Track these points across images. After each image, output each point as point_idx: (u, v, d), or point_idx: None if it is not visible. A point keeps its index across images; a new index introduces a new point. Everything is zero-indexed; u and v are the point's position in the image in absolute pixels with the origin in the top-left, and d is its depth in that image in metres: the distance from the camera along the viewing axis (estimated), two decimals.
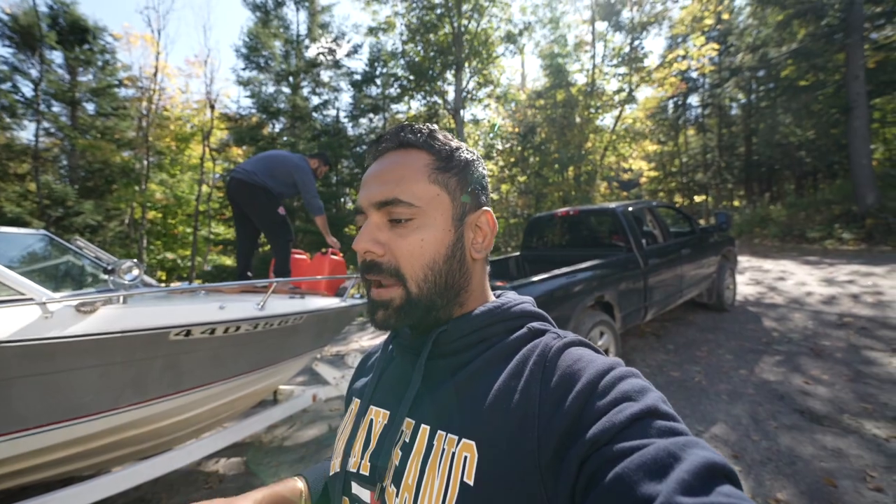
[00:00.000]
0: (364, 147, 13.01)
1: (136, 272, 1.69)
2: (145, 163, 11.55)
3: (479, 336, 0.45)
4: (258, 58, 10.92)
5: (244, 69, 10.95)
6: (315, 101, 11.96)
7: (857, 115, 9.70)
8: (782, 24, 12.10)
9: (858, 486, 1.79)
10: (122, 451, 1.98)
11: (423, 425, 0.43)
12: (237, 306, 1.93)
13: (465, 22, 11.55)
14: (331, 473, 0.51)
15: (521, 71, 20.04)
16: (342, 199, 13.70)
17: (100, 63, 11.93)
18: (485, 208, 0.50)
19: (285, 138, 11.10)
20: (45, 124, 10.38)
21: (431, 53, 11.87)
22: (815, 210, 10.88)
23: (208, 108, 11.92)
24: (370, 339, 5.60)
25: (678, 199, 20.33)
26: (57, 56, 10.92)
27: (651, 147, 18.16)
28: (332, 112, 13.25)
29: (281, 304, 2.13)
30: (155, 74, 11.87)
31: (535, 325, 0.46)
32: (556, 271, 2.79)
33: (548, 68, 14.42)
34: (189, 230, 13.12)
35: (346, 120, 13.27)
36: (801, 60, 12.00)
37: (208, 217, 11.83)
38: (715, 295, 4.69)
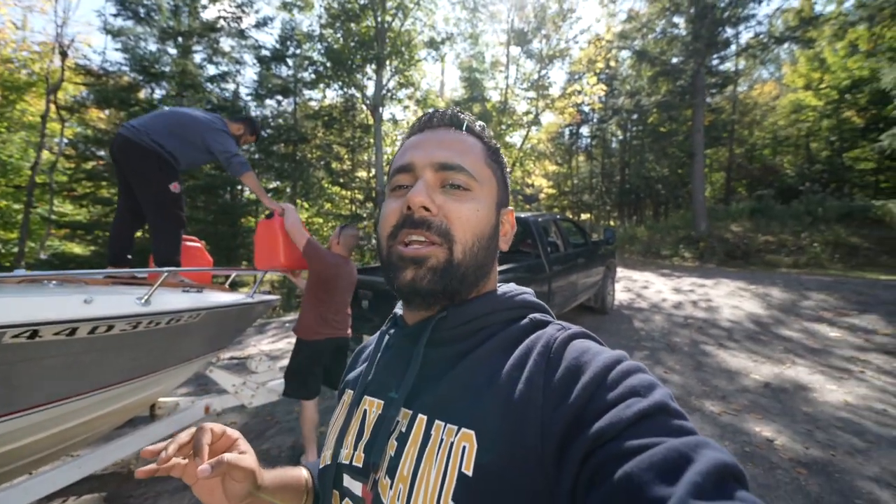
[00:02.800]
0: (269, 131, 11.80)
1: None
2: None
3: (480, 324, 0.45)
4: (137, 6, 9.04)
5: (116, 16, 8.96)
6: (211, 70, 10.44)
7: (697, 161, 12.34)
8: (652, 79, 14.80)
9: None
10: None
11: (420, 415, 0.41)
12: (109, 300, 1.56)
13: (388, 18, 11.39)
14: (321, 466, 0.49)
15: (440, 78, 20.59)
16: (239, 186, 12.19)
17: None
18: (510, 207, 0.53)
19: (166, 108, 9.43)
20: None
21: (352, 43, 11.40)
22: (667, 232, 13.45)
23: (57, 54, 9.45)
24: (271, 343, 5.08)
25: (569, 215, 23.14)
26: None
27: (551, 167, 20.33)
28: (232, 86, 11.77)
29: (172, 299, 1.79)
30: None
31: (538, 316, 0.46)
32: None
33: (466, 80, 15.10)
34: (17, 206, 10.19)
35: (248, 98, 11.90)
36: (663, 111, 14.85)
37: (50, 192, 9.31)
38: (600, 300, 5.43)
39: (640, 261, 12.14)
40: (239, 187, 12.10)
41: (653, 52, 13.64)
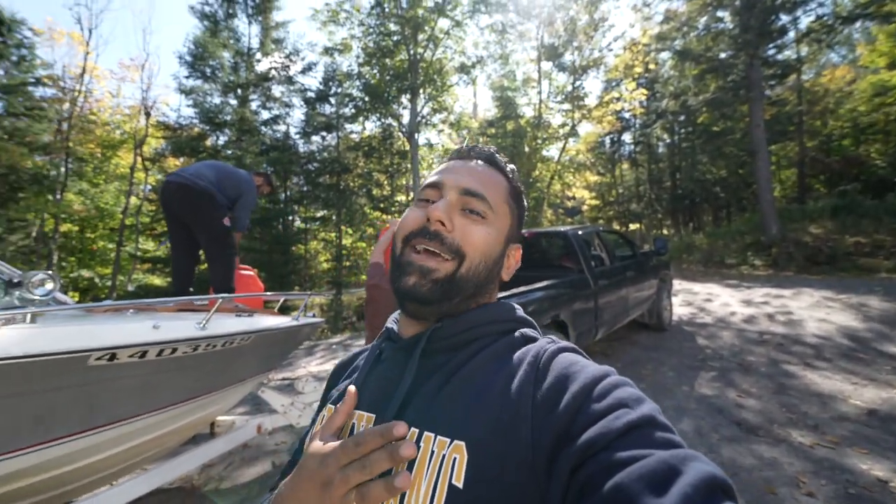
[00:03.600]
0: (315, 165, 12.65)
1: (49, 286, 1.44)
2: (63, 170, 10.23)
3: (472, 335, 0.46)
4: (204, 67, 10.33)
5: (188, 77, 10.29)
6: (265, 115, 11.53)
7: (760, 158, 11.28)
8: (698, 77, 14.00)
9: (794, 493, 1.94)
10: None
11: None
12: (174, 325, 1.71)
13: (420, 50, 11.96)
14: None
15: (473, 100, 21.01)
16: (290, 217, 13.10)
17: (14, 58, 10.62)
18: (518, 244, 0.55)
19: (230, 151, 10.47)
20: None
21: (388, 77, 12.07)
22: (731, 239, 12.30)
23: (143, 114, 10.98)
24: (319, 364, 5.26)
25: (616, 226, 22.05)
26: None
27: (592, 177, 19.68)
28: (283, 127, 12.87)
29: (226, 323, 1.92)
30: (82, 75, 10.77)
31: (528, 331, 0.48)
32: (516, 290, 2.83)
33: (498, 100, 15.28)
34: (111, 246, 11.72)
35: (297, 136, 12.92)
36: (714, 109, 13.89)
37: (136, 231, 10.64)
38: (655, 315, 5.04)
39: (700, 271, 11.18)
40: (290, 218, 13.01)
41: (696, 49, 12.95)
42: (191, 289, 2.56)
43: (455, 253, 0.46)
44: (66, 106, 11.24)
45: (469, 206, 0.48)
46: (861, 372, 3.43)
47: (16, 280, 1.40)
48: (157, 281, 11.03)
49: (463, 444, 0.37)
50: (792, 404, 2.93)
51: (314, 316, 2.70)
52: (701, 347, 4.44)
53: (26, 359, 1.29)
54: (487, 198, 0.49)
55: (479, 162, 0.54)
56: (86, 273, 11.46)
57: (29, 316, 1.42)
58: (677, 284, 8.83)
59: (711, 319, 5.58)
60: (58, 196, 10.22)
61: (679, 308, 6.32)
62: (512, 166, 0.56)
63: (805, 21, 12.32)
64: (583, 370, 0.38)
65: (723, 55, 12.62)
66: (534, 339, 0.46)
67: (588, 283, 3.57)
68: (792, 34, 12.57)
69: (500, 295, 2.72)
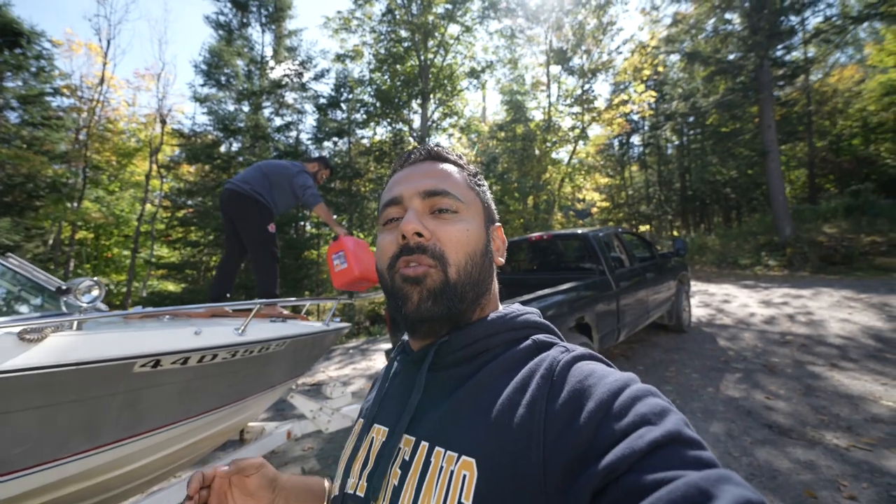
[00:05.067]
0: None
1: (95, 292, 1.46)
2: (81, 178, 10.43)
3: (482, 346, 0.44)
4: (219, 75, 10.52)
5: (203, 86, 10.49)
6: (278, 121, 11.69)
7: (772, 159, 11.19)
8: (707, 79, 13.94)
9: (836, 496, 1.90)
10: None
11: (422, 442, 0.41)
12: (213, 331, 1.72)
13: (430, 56, 12.05)
14: (332, 496, 0.49)
15: (482, 104, 21.08)
16: (303, 222, 13.21)
17: (33, 69, 10.88)
18: (497, 223, 0.54)
19: (241, 158, 10.62)
20: None
21: (398, 83, 12.18)
22: (744, 240, 12.17)
23: (158, 122, 11.17)
24: (338, 369, 5.28)
25: (625, 227, 21.93)
26: None
27: (602, 180, 19.61)
28: (294, 134, 13.01)
29: (262, 329, 1.94)
30: (100, 84, 10.99)
31: (541, 337, 0.45)
32: (541, 292, 2.82)
33: (508, 104, 15.31)
34: (126, 252, 11.89)
35: (309, 142, 13.06)
36: (724, 110, 13.80)
37: (151, 238, 10.80)
38: (674, 317, 4.99)
39: (714, 272, 11.06)
40: (302, 223, 13.11)
41: (705, 51, 12.89)
42: (227, 295, 2.58)
43: (441, 260, 0.44)
44: (84, 115, 11.47)
45: (437, 206, 0.47)
46: (890, 372, 3.37)
47: (64, 287, 1.43)
48: (171, 287, 11.17)
49: (473, 461, 0.36)
50: (822, 406, 2.88)
51: (340, 321, 2.71)
52: (723, 349, 4.39)
53: (76, 366, 1.31)
54: (451, 191, 0.47)
55: (427, 161, 0.52)
56: (101, 280, 11.64)
57: (76, 323, 1.44)
58: (693, 286, 8.73)
59: (731, 321, 5.51)
60: (76, 203, 10.40)
61: (697, 309, 6.25)
62: (458, 153, 0.54)
63: (813, 21, 12.26)
64: (600, 382, 0.36)
65: (732, 56, 12.54)
66: (548, 346, 0.44)
67: (610, 284, 3.55)
68: (800, 35, 12.47)
69: (524, 297, 2.70)
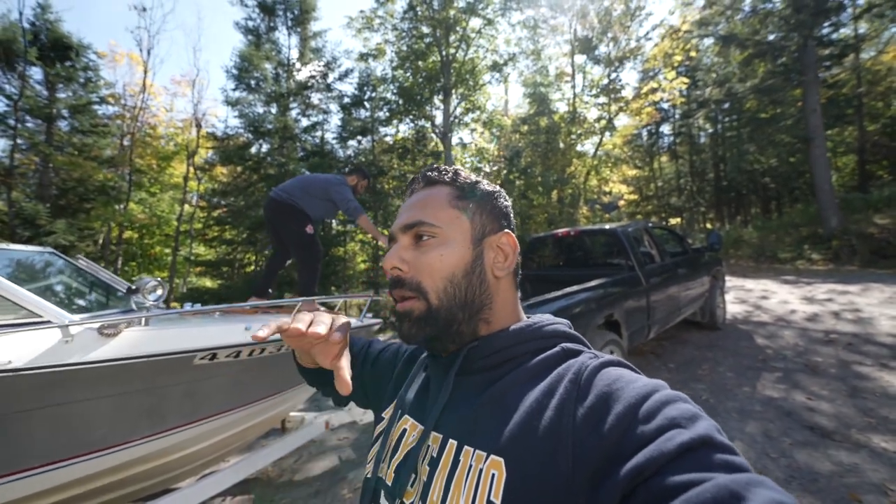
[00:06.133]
0: (349, 167, 13.03)
1: (160, 291, 1.61)
2: (126, 181, 11.14)
3: (510, 353, 0.46)
4: (249, 79, 10.91)
5: (234, 90, 10.88)
6: (304, 122, 12.00)
7: (816, 145, 10.49)
8: (744, 63, 13.19)
9: (882, 501, 1.83)
10: (121, 491, 1.81)
11: (450, 440, 0.42)
12: (260, 327, 1.85)
13: (452, 51, 12.00)
14: (366, 476, 0.52)
15: (505, 98, 20.81)
16: (328, 221, 13.56)
17: (81, 80, 11.65)
18: (506, 230, 0.52)
19: (269, 158, 11.00)
20: (19, 141, 9.95)
21: (420, 79, 12.21)
22: (784, 232, 11.53)
23: (194, 126, 11.74)
24: None
25: (655, 221, 21.18)
26: (36, 72, 10.61)
27: (630, 171, 19.00)
28: (320, 134, 13.32)
29: None
30: (142, 91, 11.66)
31: (569, 345, 0.46)
32: (569, 289, 2.82)
33: (531, 96, 15.05)
34: (167, 251, 12.61)
35: (334, 141, 13.35)
36: (763, 95, 13.03)
37: (190, 237, 11.42)
38: (708, 313, 4.84)
39: (751, 267, 10.56)
40: (328, 221, 13.45)
41: (742, 33, 12.19)
42: (270, 291, 2.82)
43: (418, 289, 0.47)
44: (127, 122, 12.20)
45: (417, 235, 0.49)
46: None
47: (133, 287, 1.58)
48: (208, 283, 11.79)
49: (501, 460, 0.37)
50: (869, 408, 2.75)
51: (373, 317, 2.82)
52: (760, 347, 4.23)
53: (148, 358, 1.46)
54: (425, 219, 0.49)
55: (421, 187, 0.54)
56: (146, 276, 12.43)
57: (144, 319, 1.60)
58: (728, 281, 8.38)
59: (769, 318, 5.28)
60: (123, 206, 11.12)
61: (732, 306, 6.02)
62: (454, 168, 0.54)
63: None
64: (627, 386, 0.36)
65: (772, 37, 11.81)
66: (576, 354, 0.44)
67: (639, 280, 3.49)
68: (850, 11, 11.56)
69: (553, 294, 2.69)
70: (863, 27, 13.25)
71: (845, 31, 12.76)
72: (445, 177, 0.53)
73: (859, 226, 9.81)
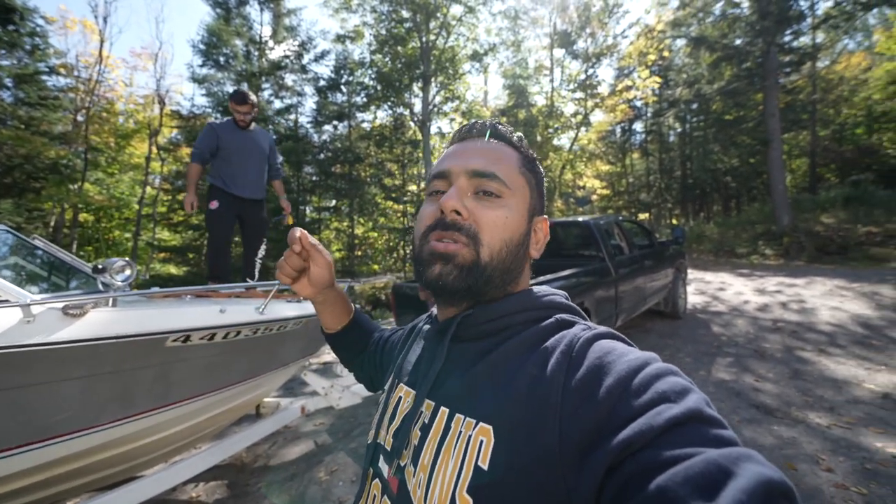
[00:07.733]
0: (327, 153, 12.69)
1: (128, 272, 1.55)
2: (81, 160, 10.37)
3: (505, 323, 0.45)
4: (217, 55, 10.34)
5: (201, 66, 10.29)
6: (278, 104, 11.54)
7: (774, 148, 11.18)
8: (713, 65, 13.76)
9: (814, 468, 2.05)
10: (86, 478, 1.75)
11: (442, 407, 0.43)
12: (237, 310, 1.82)
13: (432, 38, 11.84)
14: (368, 441, 0.53)
15: (484, 89, 20.77)
16: (303, 207, 13.21)
17: (28, 47, 10.67)
18: (545, 216, 0.53)
19: None
20: None
21: (399, 65, 11.99)
22: (742, 229, 12.27)
23: (157, 103, 11.05)
24: None
25: (625, 215, 21.95)
26: None
27: (603, 167, 19.54)
28: (294, 117, 12.87)
29: (280, 308, 2.04)
30: (97, 63, 10.81)
31: (565, 316, 0.45)
32: (542, 278, 2.91)
33: (510, 88, 15.13)
34: (127, 235, 11.92)
35: (309, 125, 12.94)
36: (728, 98, 13.69)
37: (153, 221, 10.83)
38: (671, 303, 5.12)
39: (711, 261, 11.19)
40: (303, 208, 13.10)
41: (712, 36, 12.70)
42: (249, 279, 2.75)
43: (474, 240, 0.44)
44: (82, 95, 11.31)
45: (482, 187, 0.46)
46: (874, 358, 3.52)
47: (100, 266, 1.51)
48: (173, 270, 11.26)
49: (490, 428, 0.37)
50: (808, 388, 3.03)
51: (354, 302, 2.82)
52: (716, 335, 4.53)
53: (116, 339, 1.41)
54: (499, 175, 0.46)
55: (483, 139, 0.51)
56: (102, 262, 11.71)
57: (111, 300, 1.53)
58: (690, 274, 8.86)
59: (725, 308, 5.65)
60: (78, 186, 10.37)
61: (693, 297, 6.39)
62: (519, 134, 0.52)
63: (823, 6, 12.04)
64: (619, 359, 0.35)
65: (738, 42, 12.37)
66: (570, 325, 0.43)
67: (609, 271, 3.65)
68: (809, 20, 12.27)
69: (531, 282, 2.82)
70: (820, 37, 14.09)
71: (804, 40, 13.55)
72: (512, 138, 0.51)
73: (808, 224, 10.61)
